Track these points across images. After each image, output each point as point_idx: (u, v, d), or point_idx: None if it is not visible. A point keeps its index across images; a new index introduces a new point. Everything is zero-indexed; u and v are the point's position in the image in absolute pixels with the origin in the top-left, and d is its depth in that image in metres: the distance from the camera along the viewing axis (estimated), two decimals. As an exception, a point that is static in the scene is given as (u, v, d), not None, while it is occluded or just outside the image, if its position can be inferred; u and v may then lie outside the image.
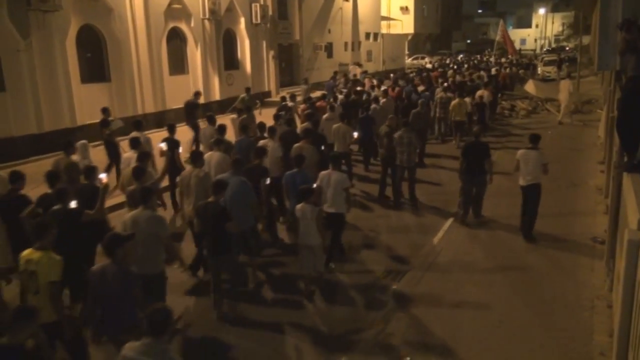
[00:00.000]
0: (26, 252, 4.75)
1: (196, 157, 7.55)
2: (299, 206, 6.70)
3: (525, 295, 6.89)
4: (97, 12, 16.46)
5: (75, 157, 8.32)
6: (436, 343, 5.86)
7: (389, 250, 8.42)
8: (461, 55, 48.62)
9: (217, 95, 22.16)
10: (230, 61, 23.70)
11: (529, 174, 8.46)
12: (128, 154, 8.70)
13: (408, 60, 48.67)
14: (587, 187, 11.49)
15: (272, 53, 26.56)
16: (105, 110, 11.95)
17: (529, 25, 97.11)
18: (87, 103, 16.18)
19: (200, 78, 21.20)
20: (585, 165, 13.13)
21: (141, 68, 17.99)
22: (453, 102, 15.46)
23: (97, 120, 16.06)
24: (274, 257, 8.14)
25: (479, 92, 16.96)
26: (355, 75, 25.07)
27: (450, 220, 9.59)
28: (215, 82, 22.14)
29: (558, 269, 7.64)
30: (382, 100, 14.71)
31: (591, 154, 14.20)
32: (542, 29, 79.33)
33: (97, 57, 17.03)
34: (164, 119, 18.71)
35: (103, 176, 6.82)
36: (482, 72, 23.66)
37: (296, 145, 9.01)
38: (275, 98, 19.48)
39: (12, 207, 6.22)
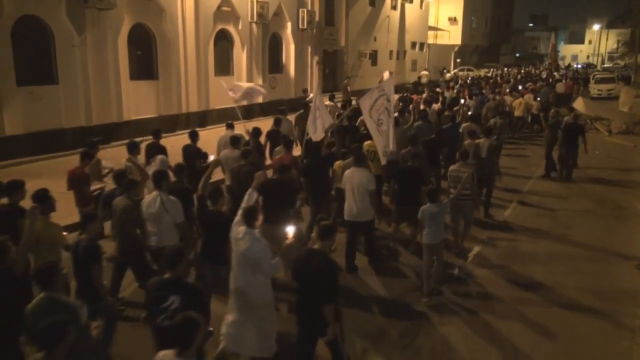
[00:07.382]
0: None
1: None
2: (454, 166, 8.89)
3: (560, 318, 6.64)
4: (149, 12, 16.97)
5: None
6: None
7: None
8: (507, 69, 47.64)
9: (259, 98, 22.40)
10: (274, 65, 23.98)
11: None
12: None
13: (453, 72, 48.02)
14: (634, 210, 11.04)
15: (316, 58, 26.73)
16: (305, 91, 15.70)
17: (581, 41, 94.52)
18: (134, 99, 16.70)
19: (244, 80, 21.48)
20: (632, 189, 12.64)
21: (188, 68, 18.42)
22: (515, 101, 18.38)
23: (144, 117, 16.79)
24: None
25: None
26: (419, 79, 32.83)
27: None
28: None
29: (598, 294, 7.34)
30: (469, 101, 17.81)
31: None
32: (595, 45, 76.79)
33: (146, 55, 17.55)
34: (206, 119, 19.09)
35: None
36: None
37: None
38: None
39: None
